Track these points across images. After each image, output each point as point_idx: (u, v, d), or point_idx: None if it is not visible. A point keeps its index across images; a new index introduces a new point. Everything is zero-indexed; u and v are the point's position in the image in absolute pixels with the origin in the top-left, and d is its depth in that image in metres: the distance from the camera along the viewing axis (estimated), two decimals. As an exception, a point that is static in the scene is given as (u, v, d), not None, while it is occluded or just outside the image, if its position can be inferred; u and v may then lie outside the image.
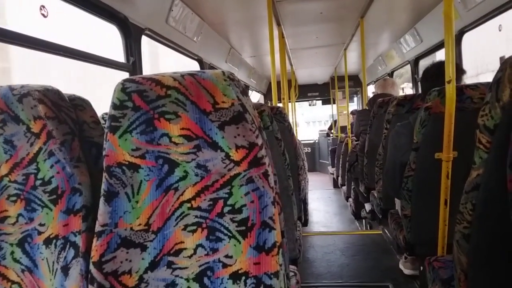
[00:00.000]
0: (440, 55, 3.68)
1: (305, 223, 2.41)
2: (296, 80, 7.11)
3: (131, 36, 2.10)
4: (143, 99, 0.69)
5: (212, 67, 3.71)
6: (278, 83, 3.43)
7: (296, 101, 7.40)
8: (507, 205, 0.58)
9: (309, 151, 8.80)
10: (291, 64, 5.47)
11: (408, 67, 4.40)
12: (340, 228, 4.11)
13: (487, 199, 0.68)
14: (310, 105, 9.00)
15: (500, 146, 0.63)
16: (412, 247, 1.62)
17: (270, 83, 6.26)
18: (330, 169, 6.60)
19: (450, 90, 1.26)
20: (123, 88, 0.70)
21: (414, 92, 4.13)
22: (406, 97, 2.18)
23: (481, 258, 0.71)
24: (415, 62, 4.13)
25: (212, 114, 0.69)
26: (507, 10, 2.30)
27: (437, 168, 1.34)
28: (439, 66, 1.61)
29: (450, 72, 1.26)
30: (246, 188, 0.73)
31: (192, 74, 0.69)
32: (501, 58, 2.68)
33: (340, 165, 4.74)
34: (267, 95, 7.68)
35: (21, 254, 0.87)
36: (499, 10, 2.33)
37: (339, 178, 4.88)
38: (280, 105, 3.40)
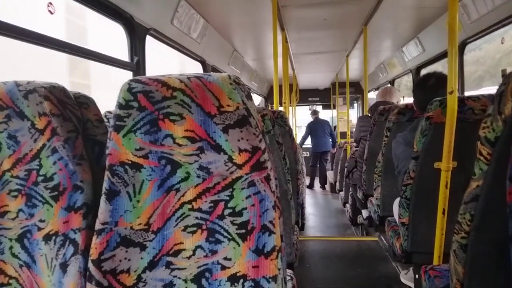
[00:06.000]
0: (441, 65, 3.70)
1: (302, 227, 2.41)
2: (297, 84, 7.12)
3: (136, 35, 2.11)
4: (149, 99, 0.70)
5: (215, 69, 3.72)
6: (280, 87, 3.44)
7: (297, 105, 7.41)
8: (506, 217, 0.59)
9: (308, 155, 8.82)
10: (293, 69, 5.49)
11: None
12: (336, 233, 4.11)
13: (486, 210, 0.69)
14: (310, 109, 9.03)
15: (501, 158, 0.63)
16: (408, 255, 1.63)
17: (272, 86, 6.24)
18: (328, 175, 6.61)
19: (452, 100, 1.27)
20: (129, 88, 0.70)
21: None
22: (407, 106, 2.19)
23: (478, 269, 0.72)
24: (416, 71, 4.15)
25: (216, 117, 0.69)
26: (510, 23, 2.32)
27: (436, 177, 1.35)
28: (439, 77, 1.61)
29: (452, 83, 1.27)
30: (248, 192, 0.73)
31: (198, 77, 0.70)
32: (503, 71, 2.69)
33: (339, 171, 4.75)
34: (268, 98, 7.70)
35: (19, 249, 0.87)
36: (502, 23, 2.35)
37: (337, 184, 4.89)
38: (281, 109, 3.41)
